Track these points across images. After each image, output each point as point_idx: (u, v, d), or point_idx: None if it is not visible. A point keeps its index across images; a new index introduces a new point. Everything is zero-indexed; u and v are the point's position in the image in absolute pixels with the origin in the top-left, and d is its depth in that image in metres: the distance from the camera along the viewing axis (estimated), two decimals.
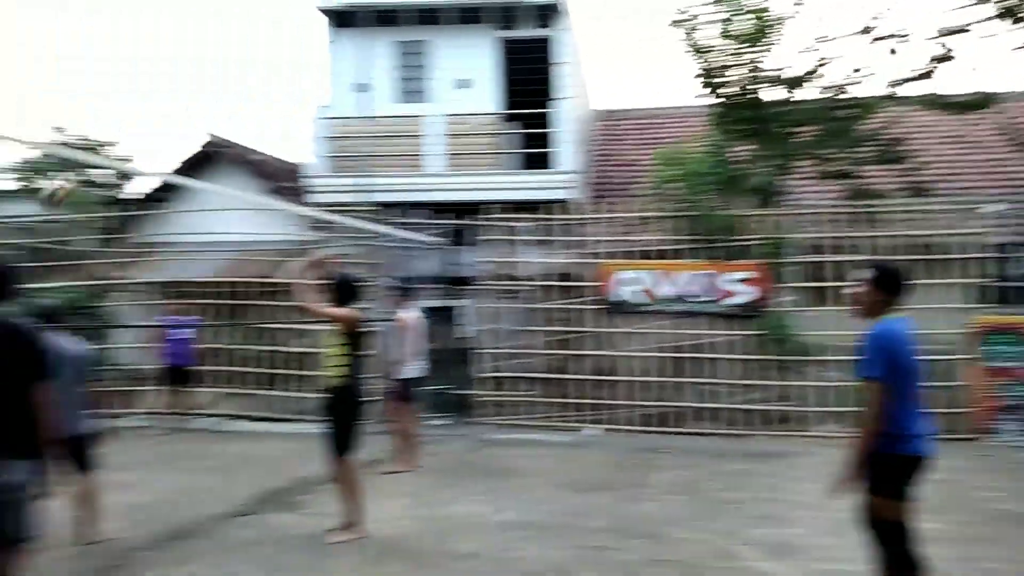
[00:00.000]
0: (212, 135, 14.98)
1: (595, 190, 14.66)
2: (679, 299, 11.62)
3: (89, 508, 5.69)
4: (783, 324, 11.25)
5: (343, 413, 5.83)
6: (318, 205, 13.40)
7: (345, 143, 14.26)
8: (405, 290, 8.91)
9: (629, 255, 12.01)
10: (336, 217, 12.00)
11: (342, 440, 5.80)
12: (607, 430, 11.39)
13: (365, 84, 13.90)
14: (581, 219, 12.55)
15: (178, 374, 11.55)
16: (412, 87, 14.58)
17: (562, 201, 12.75)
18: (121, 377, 12.87)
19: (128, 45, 55.09)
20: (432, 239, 12.32)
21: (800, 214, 11.94)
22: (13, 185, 19.63)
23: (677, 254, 11.85)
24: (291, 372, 12.39)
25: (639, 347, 11.71)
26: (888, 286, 4.15)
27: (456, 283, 12.45)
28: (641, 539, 5.93)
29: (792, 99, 12.32)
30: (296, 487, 7.64)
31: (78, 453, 5.51)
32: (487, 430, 11.36)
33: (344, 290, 5.96)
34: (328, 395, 5.90)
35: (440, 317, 12.59)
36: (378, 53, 14.34)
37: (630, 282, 11.80)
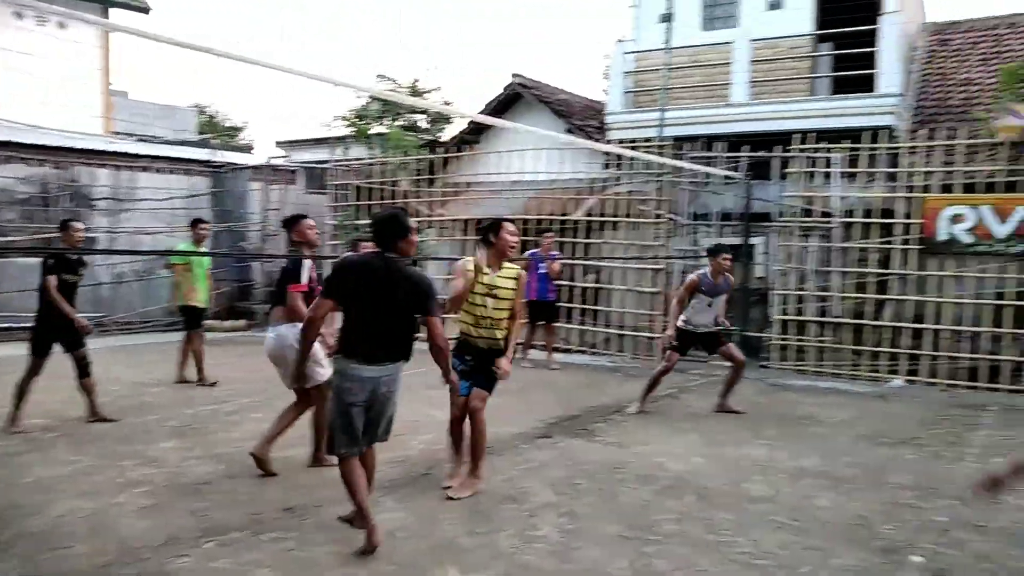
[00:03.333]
0: (516, 76, 15.55)
1: (924, 115, 13.05)
2: (1017, 238, 10.09)
3: None
4: None
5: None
6: (616, 141, 13.44)
7: (646, 76, 14.08)
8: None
9: (958, 188, 10.61)
10: (632, 153, 11.95)
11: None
12: (915, 383, 10.32)
13: (669, 14, 13.50)
14: (903, 148, 11.28)
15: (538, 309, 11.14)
16: (720, 12, 13.90)
17: (882, 128, 11.52)
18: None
19: None
20: (731, 173, 11.81)
21: None
22: (346, 131, 21.99)
23: (1015, 187, 10.28)
24: (583, 307, 12.71)
25: (957, 292, 10.39)
26: None
27: (755, 219, 11.84)
28: (950, 500, 5.31)
29: None
30: (588, 415, 7.87)
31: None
32: (780, 375, 10.83)
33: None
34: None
35: (737, 255, 12.10)
36: None
37: (960, 219, 10.44)
